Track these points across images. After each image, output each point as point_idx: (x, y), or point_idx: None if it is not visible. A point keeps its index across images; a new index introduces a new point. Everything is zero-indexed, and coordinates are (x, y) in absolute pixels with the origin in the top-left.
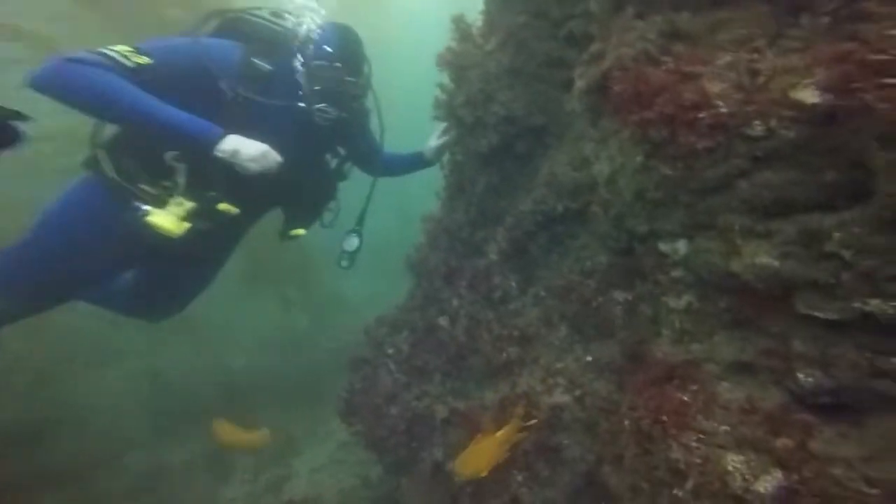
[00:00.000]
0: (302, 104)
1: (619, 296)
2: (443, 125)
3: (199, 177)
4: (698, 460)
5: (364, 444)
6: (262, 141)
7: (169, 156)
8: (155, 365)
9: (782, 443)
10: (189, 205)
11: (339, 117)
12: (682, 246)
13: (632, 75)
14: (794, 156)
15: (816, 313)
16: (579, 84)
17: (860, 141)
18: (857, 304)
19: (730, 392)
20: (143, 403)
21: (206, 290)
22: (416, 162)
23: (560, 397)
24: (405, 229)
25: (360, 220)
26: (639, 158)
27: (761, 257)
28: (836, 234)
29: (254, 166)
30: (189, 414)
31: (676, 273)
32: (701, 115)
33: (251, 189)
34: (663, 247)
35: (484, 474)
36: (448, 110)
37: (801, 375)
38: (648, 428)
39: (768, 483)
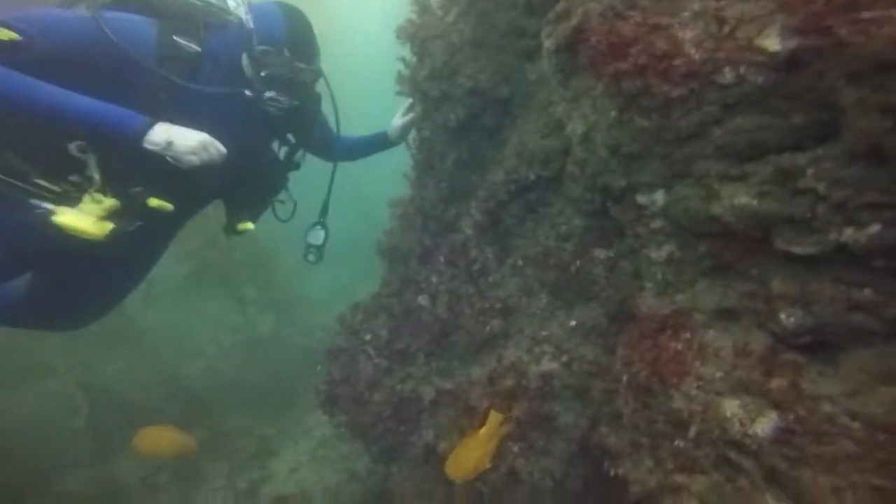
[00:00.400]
0: (248, 92)
1: (600, 254)
2: (406, 103)
3: (116, 169)
4: (699, 408)
5: (349, 434)
6: (199, 130)
7: (73, 147)
8: (90, 380)
9: (776, 384)
10: (109, 202)
11: (291, 106)
12: (659, 196)
13: (605, 28)
14: (763, 101)
15: (794, 249)
16: (548, 44)
17: (826, 82)
18: (832, 236)
19: (718, 340)
20: (79, 422)
21: (131, 293)
22: (379, 143)
23: (548, 365)
24: (365, 219)
25: (324, 212)
26: (613, 113)
27: (740, 198)
28: (810, 170)
29: (193, 158)
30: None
31: (656, 224)
32: (675, 63)
33: (184, 182)
34: (641, 199)
35: (477, 474)
36: (412, 85)
37: (783, 316)
38: (646, 381)
39: (765, 425)
